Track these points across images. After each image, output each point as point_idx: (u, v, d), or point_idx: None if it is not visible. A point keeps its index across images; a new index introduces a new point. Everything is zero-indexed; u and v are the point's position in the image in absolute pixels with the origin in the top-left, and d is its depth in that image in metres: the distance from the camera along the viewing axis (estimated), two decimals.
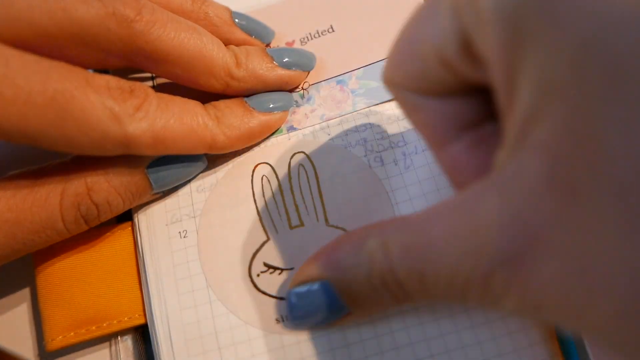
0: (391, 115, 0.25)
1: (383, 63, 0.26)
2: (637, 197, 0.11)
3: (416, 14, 0.18)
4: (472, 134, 0.18)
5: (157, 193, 0.24)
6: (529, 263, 0.13)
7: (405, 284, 0.17)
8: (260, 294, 0.22)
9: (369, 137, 0.25)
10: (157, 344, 0.22)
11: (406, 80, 0.18)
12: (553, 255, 0.13)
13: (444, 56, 0.16)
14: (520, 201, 0.13)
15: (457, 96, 0.18)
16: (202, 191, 0.24)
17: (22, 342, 0.24)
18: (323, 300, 0.19)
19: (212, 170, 0.25)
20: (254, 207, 0.24)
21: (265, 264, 0.23)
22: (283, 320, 0.22)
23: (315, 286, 0.19)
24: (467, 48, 0.15)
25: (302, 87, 0.26)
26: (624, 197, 0.11)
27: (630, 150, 0.11)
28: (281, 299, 0.22)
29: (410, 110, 0.19)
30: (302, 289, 0.20)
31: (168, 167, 0.23)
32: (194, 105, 0.22)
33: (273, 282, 0.22)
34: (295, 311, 0.20)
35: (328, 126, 0.25)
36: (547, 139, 0.13)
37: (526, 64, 0.13)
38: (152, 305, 0.22)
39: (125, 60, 0.22)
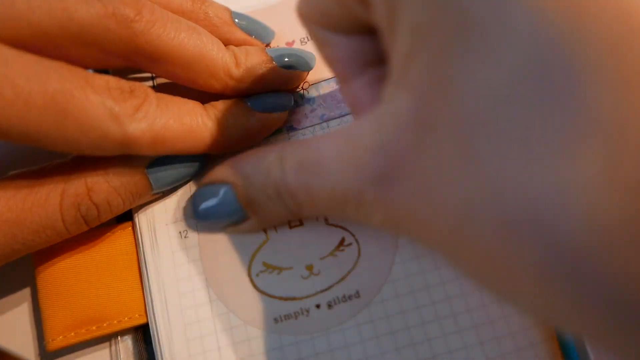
0: None
1: None
2: (475, 129, 0.13)
3: None
4: (372, 72, 0.20)
5: (157, 193, 0.24)
6: (392, 184, 0.16)
7: (295, 195, 0.19)
8: (260, 293, 0.22)
9: None
10: (158, 343, 0.22)
11: (315, 15, 0.20)
12: (409, 178, 0.15)
13: None
14: (390, 131, 0.16)
15: (361, 34, 0.20)
16: None
17: (22, 342, 0.24)
18: (223, 202, 0.22)
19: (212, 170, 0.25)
20: None
21: (265, 264, 0.23)
22: (281, 321, 0.22)
23: (218, 188, 0.22)
24: None
25: (302, 87, 0.26)
26: (465, 130, 0.13)
27: (473, 91, 0.13)
28: (281, 298, 0.22)
29: (320, 45, 0.21)
30: (206, 189, 0.22)
31: (168, 167, 0.23)
32: (193, 106, 0.22)
33: (272, 282, 0.22)
34: (198, 210, 0.22)
35: (328, 126, 0.25)
36: (416, 78, 0.15)
37: (402, 8, 0.15)
38: (154, 304, 0.22)
39: (125, 60, 0.22)
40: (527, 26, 0.12)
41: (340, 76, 0.21)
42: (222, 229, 0.23)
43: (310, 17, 0.21)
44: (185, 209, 0.24)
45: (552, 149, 0.12)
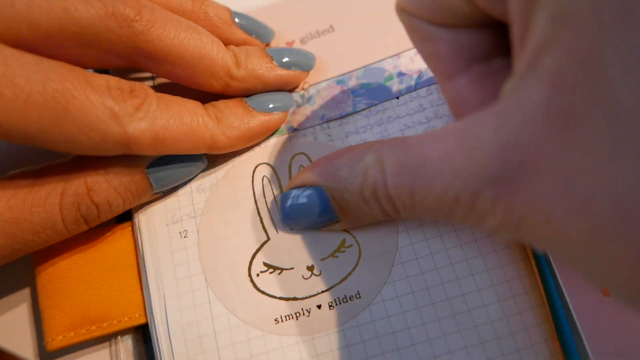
0: (392, 115, 0.25)
1: (384, 62, 0.26)
2: (628, 123, 0.12)
3: None
4: (480, 67, 0.19)
5: (157, 193, 0.24)
6: (517, 183, 0.14)
7: (395, 198, 0.18)
8: (259, 294, 0.22)
9: (369, 137, 0.24)
10: (157, 344, 0.22)
11: (420, 9, 0.19)
12: (540, 176, 0.14)
13: None
14: (518, 125, 0.14)
15: (470, 28, 0.18)
16: (202, 191, 0.24)
17: (22, 342, 0.24)
18: (314, 205, 0.21)
19: (212, 170, 0.25)
20: (255, 207, 0.24)
21: (265, 264, 0.23)
22: (282, 321, 0.22)
23: (309, 191, 0.21)
24: None
25: (302, 87, 0.26)
26: (615, 122, 0.12)
27: (630, 78, 0.12)
28: (282, 299, 0.22)
29: (420, 40, 0.20)
30: (297, 192, 0.22)
31: (168, 167, 0.23)
32: (194, 106, 0.22)
33: (273, 282, 0.22)
34: (286, 212, 0.22)
35: (328, 127, 0.25)
36: (554, 66, 0.13)
37: None
38: (152, 305, 0.22)
39: (125, 60, 0.22)
40: None
41: (441, 73, 0.20)
42: (309, 229, 0.23)
43: (413, 12, 0.19)
44: (270, 209, 0.24)
45: None
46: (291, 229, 0.23)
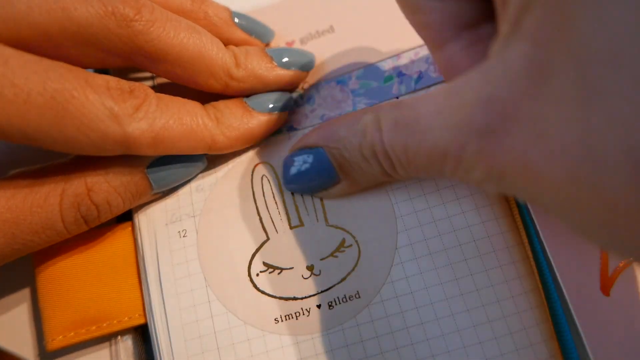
0: None
1: (383, 62, 0.26)
2: (594, 69, 0.12)
3: None
4: (469, 34, 0.20)
5: (157, 193, 0.24)
6: (498, 134, 0.15)
7: (391, 154, 0.19)
8: (259, 293, 0.22)
9: None
10: (157, 344, 0.22)
11: None
12: (519, 127, 0.15)
13: None
14: (500, 81, 0.15)
15: None
16: (202, 191, 0.24)
17: (22, 342, 0.24)
18: (316, 165, 0.22)
19: (212, 170, 0.25)
20: (254, 206, 0.24)
21: (265, 264, 0.23)
22: (282, 321, 0.22)
23: (311, 152, 0.22)
24: None
25: (302, 87, 0.26)
26: (583, 70, 0.13)
27: (595, 27, 0.12)
28: (281, 299, 0.22)
29: (411, 11, 0.21)
30: (299, 153, 0.22)
31: (168, 167, 0.23)
32: (193, 106, 0.22)
33: (272, 282, 0.22)
34: (289, 174, 0.23)
35: None
36: (534, 24, 0.14)
37: None
38: (152, 304, 0.22)
39: (125, 59, 0.22)
40: None
41: (433, 42, 0.21)
42: (311, 192, 0.23)
43: None
44: (271, 174, 0.24)
45: None
46: (292, 193, 0.24)
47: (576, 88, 0.13)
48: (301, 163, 0.22)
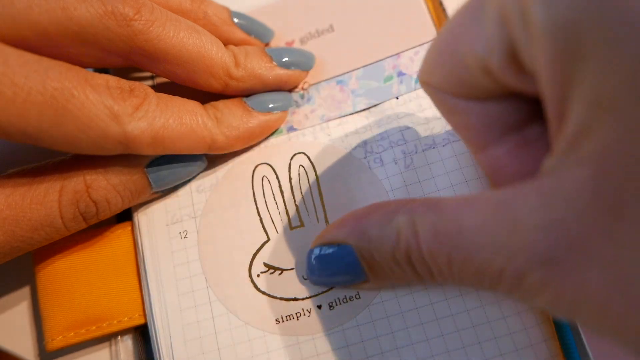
0: (391, 115, 0.25)
1: (383, 62, 0.26)
2: None
3: (458, 16, 0.17)
4: (515, 137, 0.18)
5: (157, 192, 0.24)
6: (569, 267, 0.14)
7: (432, 265, 0.17)
8: (260, 294, 0.22)
9: (369, 138, 0.24)
10: (157, 344, 0.22)
11: (444, 83, 0.18)
12: (594, 264, 0.13)
13: (488, 65, 0.16)
14: (564, 208, 0.14)
15: (499, 100, 0.18)
16: (202, 191, 0.24)
17: (22, 342, 0.24)
18: (343, 264, 0.20)
19: (212, 170, 0.25)
20: (255, 207, 0.24)
21: (266, 264, 0.23)
22: (283, 321, 0.22)
23: (338, 249, 0.20)
24: (513, 59, 0.15)
25: (302, 87, 0.26)
26: None
27: None
28: (282, 299, 0.22)
29: (447, 113, 0.19)
30: (325, 249, 0.21)
31: (167, 166, 0.23)
32: (193, 106, 0.22)
33: (273, 283, 0.22)
34: (313, 268, 0.21)
35: (328, 127, 0.25)
36: (597, 152, 0.13)
37: (579, 78, 0.13)
38: (152, 305, 0.22)
39: (124, 59, 0.22)
40: None
41: (474, 144, 0.19)
42: (333, 286, 0.22)
43: (437, 85, 0.19)
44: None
45: None
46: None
47: None
48: (327, 259, 0.21)
